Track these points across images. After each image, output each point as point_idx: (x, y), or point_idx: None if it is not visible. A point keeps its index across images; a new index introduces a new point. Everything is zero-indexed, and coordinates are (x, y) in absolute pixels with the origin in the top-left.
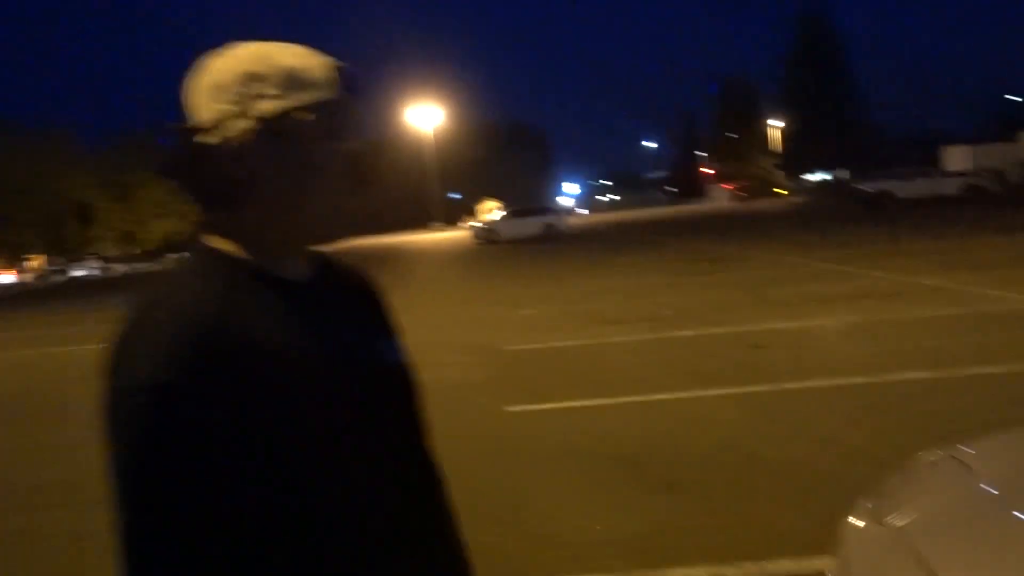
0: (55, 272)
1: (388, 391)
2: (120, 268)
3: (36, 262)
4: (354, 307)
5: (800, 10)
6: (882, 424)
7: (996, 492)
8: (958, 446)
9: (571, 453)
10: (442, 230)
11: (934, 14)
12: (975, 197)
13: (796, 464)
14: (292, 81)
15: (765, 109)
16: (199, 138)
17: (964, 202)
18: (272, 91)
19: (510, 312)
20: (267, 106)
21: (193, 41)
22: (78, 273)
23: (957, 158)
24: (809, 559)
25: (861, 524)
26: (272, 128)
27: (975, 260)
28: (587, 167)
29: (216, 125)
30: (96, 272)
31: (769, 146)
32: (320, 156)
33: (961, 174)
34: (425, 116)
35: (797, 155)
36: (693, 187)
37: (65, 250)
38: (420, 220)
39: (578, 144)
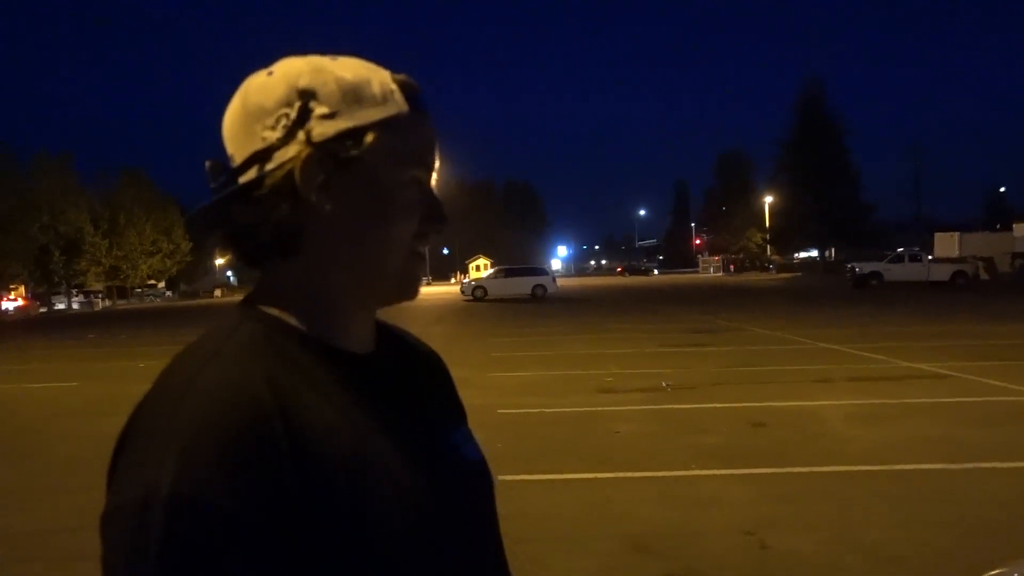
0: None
1: (467, 492)
2: (103, 303)
3: (17, 293)
4: (424, 388)
5: (800, 93)
6: (898, 518)
7: None
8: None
9: (575, 531)
10: (429, 284)
11: (932, 102)
12: (964, 284)
13: (810, 557)
14: (351, 96)
15: (759, 185)
16: (243, 177)
17: (954, 288)
18: (328, 110)
19: (506, 374)
20: (324, 128)
21: (183, 74)
22: (61, 306)
23: (946, 244)
24: None
25: None
26: (332, 155)
27: (973, 348)
28: (580, 231)
29: (262, 157)
30: (79, 306)
31: (760, 221)
32: (393, 186)
33: (951, 260)
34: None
35: (788, 231)
36: (683, 257)
37: (50, 282)
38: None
39: (572, 208)
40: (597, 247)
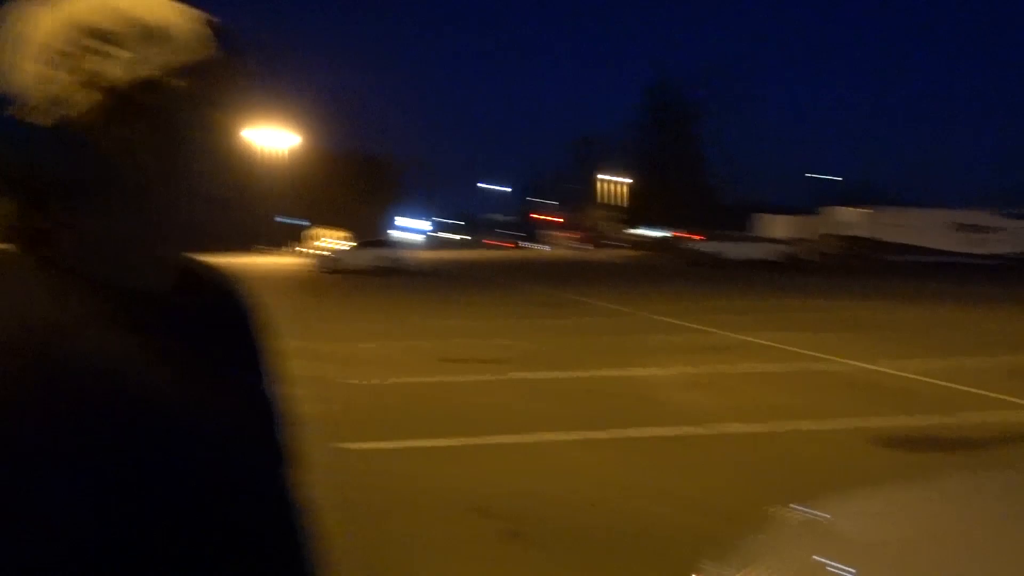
0: None
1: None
2: None
3: None
4: (222, 328)
5: (652, 79)
6: (721, 477)
7: (849, 553)
8: (808, 507)
9: (418, 496)
10: (268, 254)
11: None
12: (792, 263)
13: (637, 514)
14: (150, 37)
15: (611, 166)
16: (26, 117)
17: (783, 267)
18: (124, 52)
19: (350, 347)
20: (118, 71)
21: None
22: None
23: (776, 226)
24: None
25: None
26: (127, 100)
27: (795, 321)
28: (437, 206)
29: (48, 99)
30: None
31: (612, 201)
32: (194, 135)
33: (781, 241)
34: (266, 134)
35: (637, 211)
36: (537, 233)
37: None
38: (243, 241)
39: (430, 183)
40: (455, 221)
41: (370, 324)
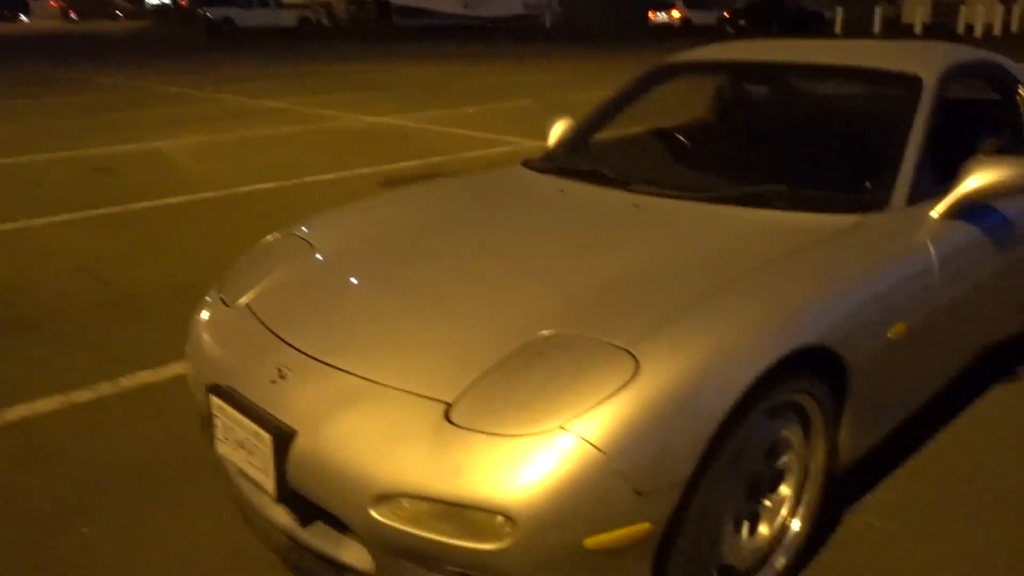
0: None
1: None
2: None
3: None
4: None
5: None
6: (239, 234)
7: (326, 259)
8: (296, 224)
9: None
10: None
11: None
12: (310, 29)
13: (153, 284)
14: None
15: None
16: None
17: (300, 33)
18: None
19: None
20: None
21: None
22: None
23: None
24: (167, 367)
25: (208, 314)
26: None
27: (312, 85)
28: None
29: None
30: None
31: None
32: None
33: (297, 6)
34: None
35: None
36: (12, 2)
37: None
38: None
39: None
40: None
41: None
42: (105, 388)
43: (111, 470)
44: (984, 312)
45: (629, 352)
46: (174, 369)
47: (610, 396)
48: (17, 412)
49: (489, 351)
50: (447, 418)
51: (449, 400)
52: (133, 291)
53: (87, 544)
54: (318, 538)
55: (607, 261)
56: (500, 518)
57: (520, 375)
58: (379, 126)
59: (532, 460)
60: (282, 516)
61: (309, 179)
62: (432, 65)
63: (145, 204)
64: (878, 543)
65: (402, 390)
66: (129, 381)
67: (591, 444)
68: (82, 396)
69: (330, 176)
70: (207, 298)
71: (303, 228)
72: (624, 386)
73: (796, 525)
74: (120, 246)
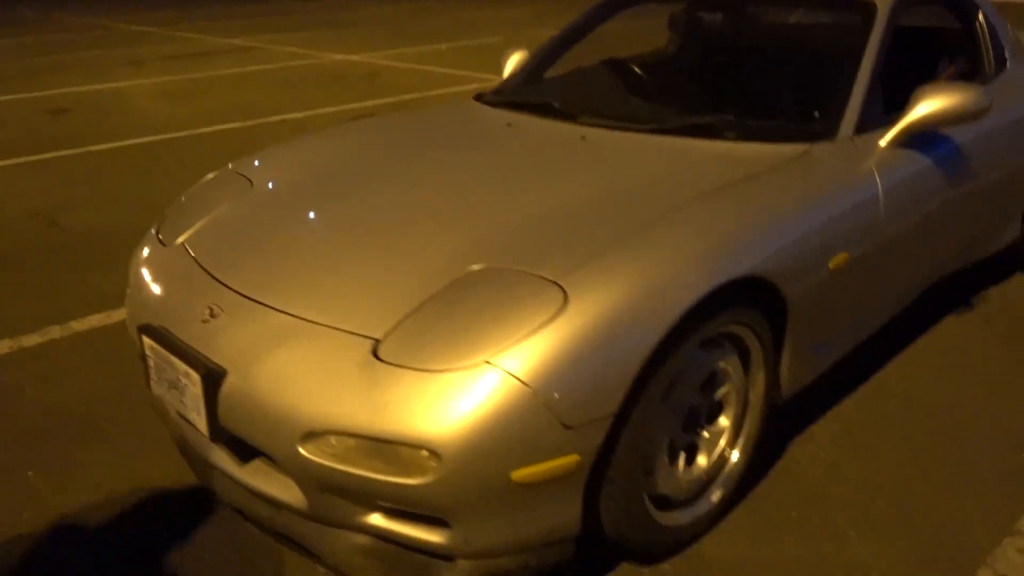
0: None
1: None
2: None
3: None
4: None
5: None
6: (201, 175)
7: (264, 196)
8: (238, 161)
9: None
10: None
11: None
12: None
13: (109, 228)
14: None
15: None
16: None
17: None
18: None
19: None
20: None
21: None
22: None
23: None
24: (119, 311)
25: (147, 251)
26: None
27: (280, 23)
28: None
29: None
30: None
31: None
32: None
33: None
34: None
35: None
36: None
37: None
38: None
39: None
40: None
41: None
42: (55, 332)
43: (58, 413)
44: (934, 243)
45: (558, 284)
46: (123, 314)
47: (537, 329)
48: None
49: (420, 287)
50: (375, 355)
51: (378, 337)
52: (88, 236)
53: (31, 487)
54: (255, 476)
55: (547, 195)
56: (425, 452)
57: (449, 310)
58: (348, 64)
59: (457, 395)
60: (220, 456)
61: (275, 119)
62: (405, 2)
63: (105, 146)
64: (821, 473)
65: (332, 327)
66: (80, 325)
67: (517, 378)
68: (31, 340)
69: (297, 115)
70: (146, 238)
71: (244, 165)
72: (551, 319)
73: (735, 456)
74: (77, 190)
